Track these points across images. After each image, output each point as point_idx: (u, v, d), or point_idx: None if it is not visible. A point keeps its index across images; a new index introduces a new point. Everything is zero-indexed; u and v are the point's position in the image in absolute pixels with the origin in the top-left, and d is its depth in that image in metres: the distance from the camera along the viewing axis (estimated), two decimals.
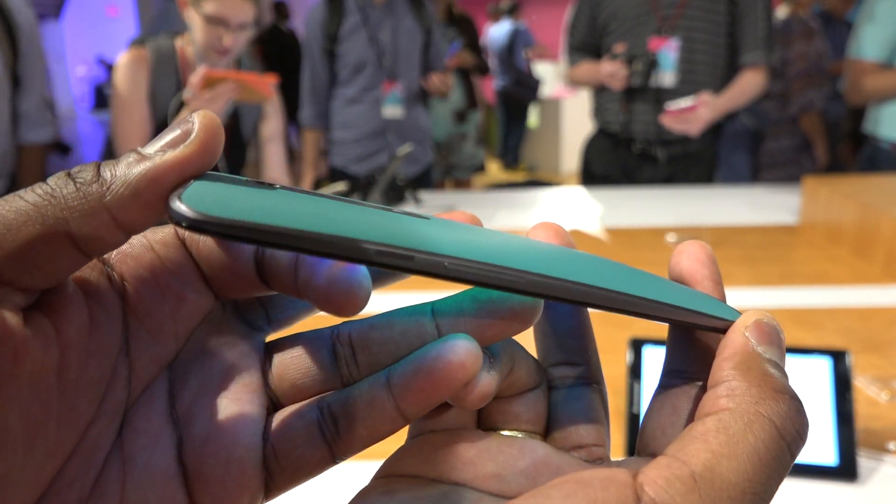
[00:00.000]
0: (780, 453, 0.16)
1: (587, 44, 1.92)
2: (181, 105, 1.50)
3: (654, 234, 1.44)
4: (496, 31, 5.42)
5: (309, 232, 0.16)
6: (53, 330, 0.17)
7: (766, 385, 0.17)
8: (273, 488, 0.20)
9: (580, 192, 1.89)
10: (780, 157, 2.42)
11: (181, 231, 0.20)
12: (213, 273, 0.20)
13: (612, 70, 1.81)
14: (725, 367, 0.18)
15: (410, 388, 0.19)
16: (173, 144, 0.17)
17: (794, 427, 0.17)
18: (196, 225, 0.16)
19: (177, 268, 0.20)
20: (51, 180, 0.16)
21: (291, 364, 0.21)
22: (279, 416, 0.20)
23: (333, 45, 1.98)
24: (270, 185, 0.18)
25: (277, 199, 0.17)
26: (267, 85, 1.51)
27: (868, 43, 1.88)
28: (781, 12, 2.38)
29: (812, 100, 2.32)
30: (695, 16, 1.76)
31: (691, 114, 1.72)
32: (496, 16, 5.59)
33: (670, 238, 1.40)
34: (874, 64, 1.87)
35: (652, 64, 1.77)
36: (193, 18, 1.46)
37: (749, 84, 1.79)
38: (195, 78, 1.42)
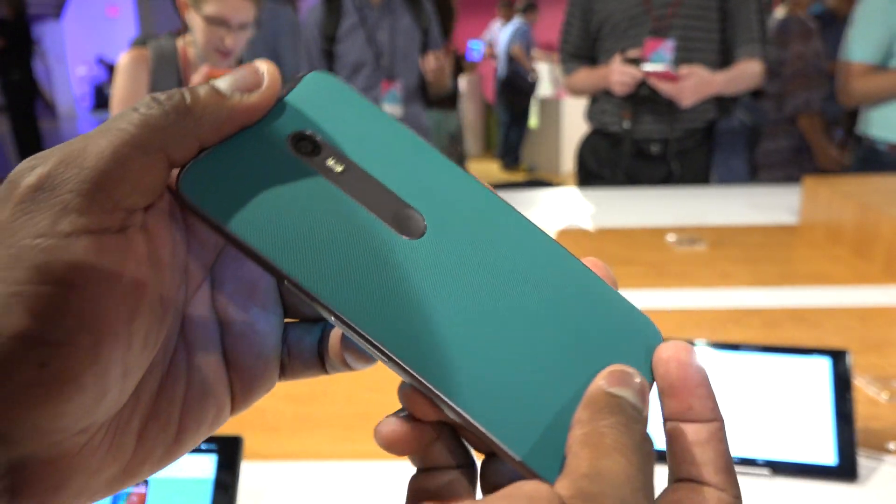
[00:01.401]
0: None
1: (582, 49, 1.89)
2: None
3: (654, 234, 1.44)
4: (500, 31, 5.44)
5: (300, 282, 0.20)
6: (157, 254, 0.20)
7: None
8: (280, 380, 0.25)
9: (580, 192, 1.89)
10: (778, 158, 2.42)
11: None
12: None
13: (627, 73, 1.72)
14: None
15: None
16: (247, 88, 0.20)
17: None
18: (182, 203, 0.19)
19: None
20: (142, 108, 0.19)
21: None
22: (295, 328, 0.25)
23: (331, 45, 1.98)
24: (311, 139, 0.21)
25: (293, 198, 0.20)
26: None
27: (856, 45, 1.87)
28: (779, 13, 2.38)
29: (808, 100, 2.32)
30: (689, 14, 1.73)
31: (673, 81, 1.68)
32: (508, 14, 5.63)
33: (670, 238, 1.40)
34: (863, 66, 1.86)
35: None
36: (194, 20, 1.46)
37: (746, 70, 1.74)
38: (197, 77, 1.42)
